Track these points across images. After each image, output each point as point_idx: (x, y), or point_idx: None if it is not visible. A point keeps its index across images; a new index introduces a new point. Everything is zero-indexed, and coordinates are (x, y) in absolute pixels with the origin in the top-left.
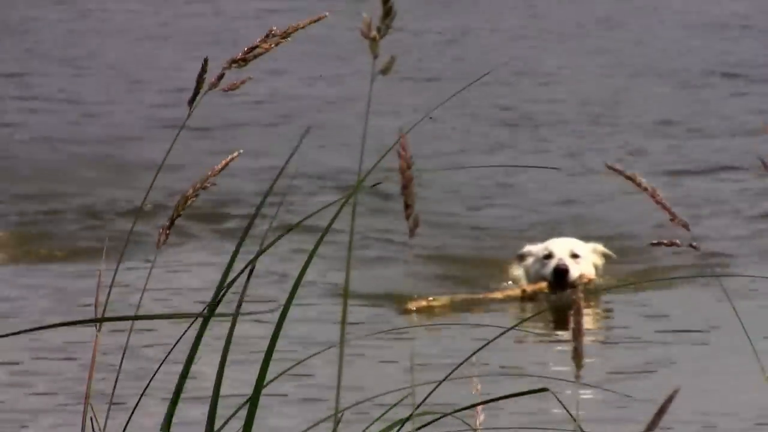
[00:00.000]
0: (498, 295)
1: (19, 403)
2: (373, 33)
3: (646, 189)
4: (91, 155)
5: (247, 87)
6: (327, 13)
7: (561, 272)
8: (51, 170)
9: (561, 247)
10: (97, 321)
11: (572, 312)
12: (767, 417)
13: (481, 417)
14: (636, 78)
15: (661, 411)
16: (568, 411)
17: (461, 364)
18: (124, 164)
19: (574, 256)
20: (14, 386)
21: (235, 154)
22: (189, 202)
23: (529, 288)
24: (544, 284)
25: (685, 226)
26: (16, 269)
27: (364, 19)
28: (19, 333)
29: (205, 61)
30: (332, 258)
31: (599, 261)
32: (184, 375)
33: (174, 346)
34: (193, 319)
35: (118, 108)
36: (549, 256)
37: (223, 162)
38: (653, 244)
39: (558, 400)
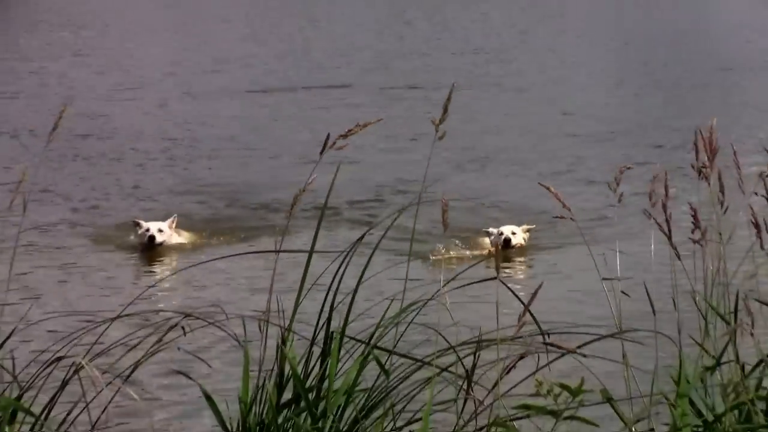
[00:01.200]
0: (484, 251)
1: None
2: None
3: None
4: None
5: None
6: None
7: (507, 241)
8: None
9: (507, 229)
10: (276, 252)
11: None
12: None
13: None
14: None
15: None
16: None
17: None
18: None
19: (513, 233)
20: None
21: (376, 119)
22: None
23: (493, 249)
24: (500, 247)
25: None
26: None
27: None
28: None
29: (328, 135)
30: None
31: (526, 234)
32: None
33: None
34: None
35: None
36: (501, 233)
37: (364, 123)
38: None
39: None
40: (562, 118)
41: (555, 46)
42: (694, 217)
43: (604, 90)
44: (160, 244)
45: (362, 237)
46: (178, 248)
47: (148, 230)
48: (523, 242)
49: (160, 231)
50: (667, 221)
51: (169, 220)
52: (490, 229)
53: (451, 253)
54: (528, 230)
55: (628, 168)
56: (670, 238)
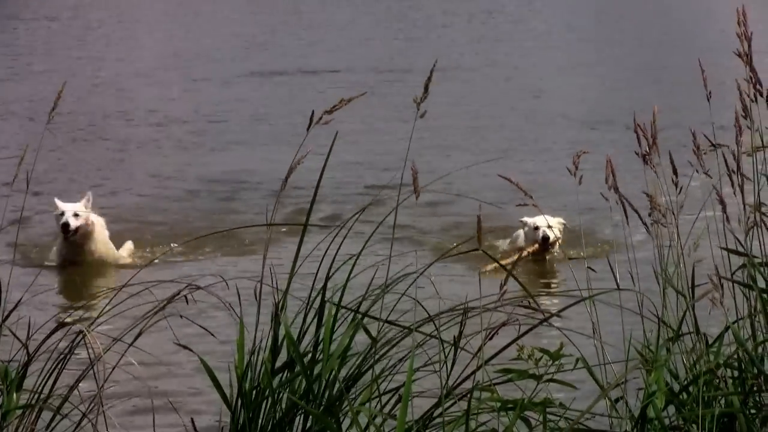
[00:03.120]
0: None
1: None
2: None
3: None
4: None
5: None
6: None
7: (546, 240)
8: None
9: (543, 222)
10: (268, 225)
11: None
12: None
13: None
14: None
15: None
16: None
17: None
18: None
19: (549, 227)
20: None
21: (361, 94)
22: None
23: (530, 250)
24: (536, 245)
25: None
26: None
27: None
28: None
29: (312, 112)
30: None
31: (560, 228)
32: None
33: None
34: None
35: None
36: (537, 228)
37: (348, 99)
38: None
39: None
40: (534, 101)
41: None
42: (650, 199)
43: (577, 73)
44: (75, 231)
45: (362, 210)
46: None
47: (62, 214)
48: (558, 237)
49: (76, 216)
50: (623, 202)
51: (84, 200)
52: (525, 219)
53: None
54: (562, 224)
55: (585, 153)
56: (626, 216)
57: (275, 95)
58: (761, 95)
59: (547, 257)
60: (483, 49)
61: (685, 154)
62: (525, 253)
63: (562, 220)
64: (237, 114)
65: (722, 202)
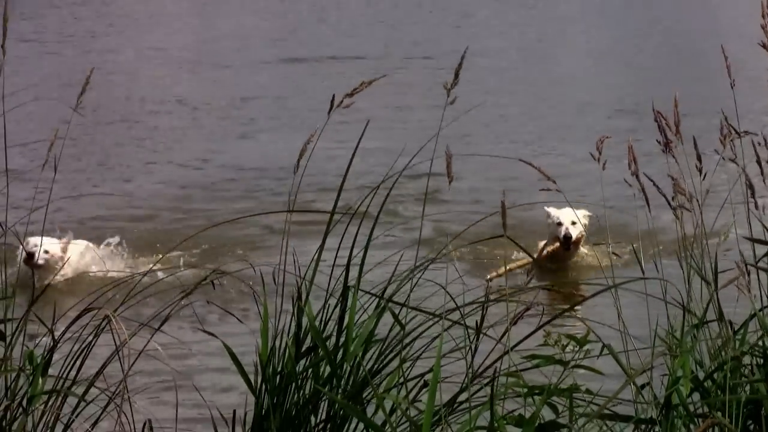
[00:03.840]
0: (540, 254)
1: None
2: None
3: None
4: None
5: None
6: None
7: (568, 238)
8: None
9: (566, 217)
10: (290, 212)
11: None
12: None
13: None
14: None
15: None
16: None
17: None
18: None
19: (573, 223)
20: None
21: (380, 77)
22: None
23: (550, 249)
24: (558, 244)
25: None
26: None
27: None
28: None
29: (333, 96)
30: None
31: (586, 221)
32: None
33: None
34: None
35: None
36: (560, 223)
37: (369, 81)
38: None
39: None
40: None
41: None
42: (674, 183)
43: (605, 60)
44: (39, 266)
45: (379, 185)
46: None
47: (29, 245)
48: (583, 233)
49: (46, 252)
50: (643, 190)
51: (65, 240)
52: (550, 210)
53: (510, 263)
54: (588, 217)
55: (608, 137)
56: (647, 202)
57: (301, 81)
58: None
59: (569, 261)
60: (511, 36)
61: (712, 142)
62: (545, 253)
63: (587, 213)
64: (262, 100)
65: (750, 186)
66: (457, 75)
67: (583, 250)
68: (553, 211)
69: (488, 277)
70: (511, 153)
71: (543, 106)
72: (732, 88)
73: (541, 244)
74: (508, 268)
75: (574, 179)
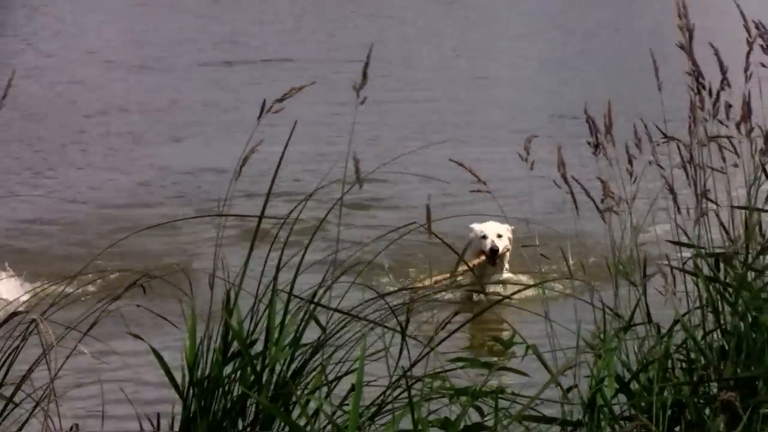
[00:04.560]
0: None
1: None
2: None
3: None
4: None
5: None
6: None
7: (494, 250)
8: None
9: (491, 230)
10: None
11: None
12: None
13: None
14: None
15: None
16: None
17: None
18: None
19: (499, 236)
20: None
21: (310, 83)
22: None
23: (475, 261)
24: (483, 257)
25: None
26: None
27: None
28: None
29: (264, 101)
30: None
31: (510, 235)
32: None
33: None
34: None
35: None
36: (484, 236)
37: (298, 87)
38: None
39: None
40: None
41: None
42: (603, 185)
43: (541, 62)
44: None
45: (312, 194)
46: None
47: None
48: (509, 247)
49: None
50: (571, 192)
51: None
52: (474, 226)
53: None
54: (511, 231)
55: (535, 137)
56: (575, 204)
57: (237, 85)
58: (704, 88)
59: (492, 276)
60: (444, 36)
61: (644, 145)
62: (470, 265)
63: (510, 227)
64: (196, 104)
65: (672, 191)
66: (365, 75)
67: (507, 275)
68: (476, 225)
69: (413, 286)
70: (446, 156)
71: (481, 110)
72: (659, 90)
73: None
74: (433, 280)
75: (509, 183)
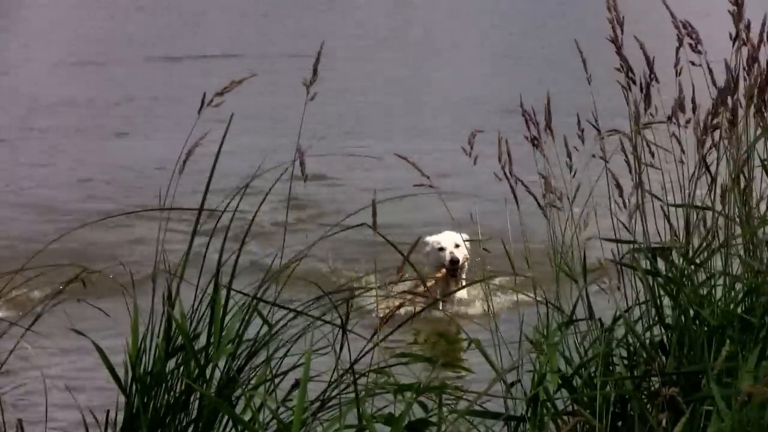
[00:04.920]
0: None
1: None
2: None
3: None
4: None
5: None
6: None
7: (455, 261)
8: None
9: (448, 241)
10: (167, 209)
11: None
12: None
13: None
14: None
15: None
16: (393, 245)
17: None
18: None
19: (457, 246)
20: None
21: (251, 75)
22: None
23: (437, 275)
24: (443, 270)
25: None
26: None
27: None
28: None
29: (204, 94)
30: None
31: (467, 245)
32: None
33: None
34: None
35: None
36: (442, 248)
37: (239, 80)
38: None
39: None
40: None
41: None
42: (543, 180)
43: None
44: None
45: (250, 181)
46: None
47: None
48: (468, 256)
49: None
50: (512, 186)
51: None
52: (428, 239)
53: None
54: (469, 240)
55: (480, 131)
56: (516, 200)
57: (180, 80)
58: (634, 83)
59: (454, 287)
60: (400, 33)
61: (586, 140)
62: (429, 283)
63: (466, 236)
64: (139, 100)
65: (618, 186)
66: (315, 71)
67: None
68: (430, 238)
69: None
70: (390, 151)
71: (428, 104)
72: (589, 83)
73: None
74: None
75: (454, 177)
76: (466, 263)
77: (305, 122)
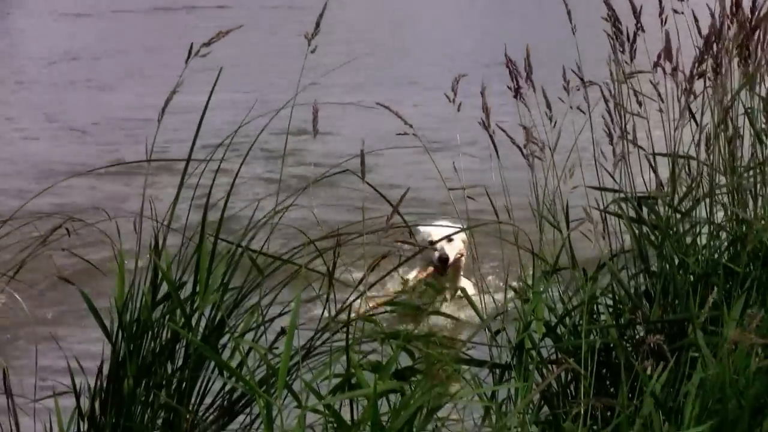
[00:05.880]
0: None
1: None
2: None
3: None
4: None
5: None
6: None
7: (444, 260)
8: None
9: (440, 235)
10: (151, 161)
11: None
12: None
13: None
14: None
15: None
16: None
17: None
18: None
19: (451, 239)
20: None
21: (237, 27)
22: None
23: (426, 274)
24: (432, 268)
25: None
26: None
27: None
28: None
29: (191, 45)
30: None
31: (464, 240)
32: None
33: None
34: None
35: None
36: (431, 242)
37: (226, 31)
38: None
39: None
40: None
41: None
42: (525, 131)
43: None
44: None
45: (234, 133)
46: None
47: None
48: (463, 251)
49: None
50: (491, 136)
51: None
52: (421, 228)
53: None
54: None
55: (464, 76)
56: (495, 148)
57: (169, 31)
58: (620, 33)
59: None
60: None
61: (574, 90)
62: (418, 278)
63: (463, 236)
64: (126, 52)
65: (611, 133)
66: (318, 25)
67: (467, 285)
68: (422, 228)
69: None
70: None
71: (409, 57)
72: (573, 33)
73: (412, 275)
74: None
75: (441, 130)
76: (462, 259)
77: (287, 75)
